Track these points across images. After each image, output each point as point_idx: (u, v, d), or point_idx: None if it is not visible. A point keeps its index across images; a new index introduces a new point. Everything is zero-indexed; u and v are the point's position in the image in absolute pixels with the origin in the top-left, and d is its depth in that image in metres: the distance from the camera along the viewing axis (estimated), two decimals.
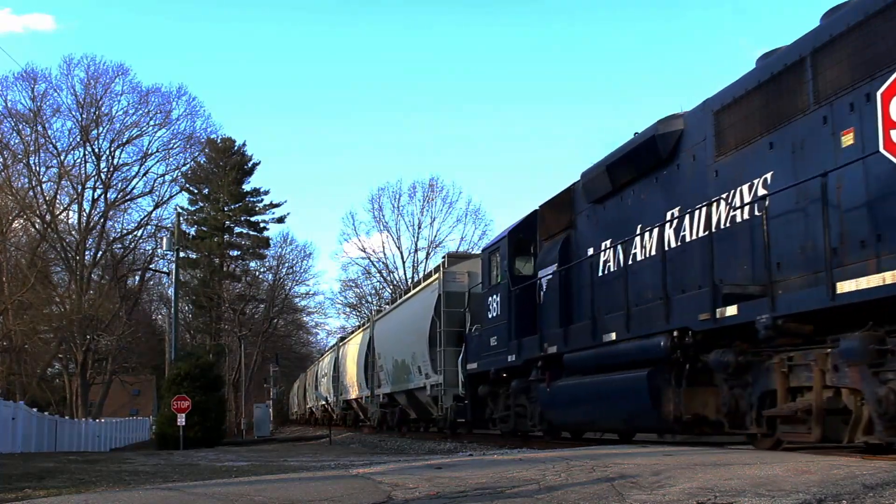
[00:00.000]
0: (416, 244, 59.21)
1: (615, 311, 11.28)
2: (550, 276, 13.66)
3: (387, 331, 28.21)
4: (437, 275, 21.73)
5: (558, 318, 13.16)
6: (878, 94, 7.33)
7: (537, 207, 14.95)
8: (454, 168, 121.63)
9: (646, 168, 11.14)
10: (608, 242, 12.07)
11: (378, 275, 61.46)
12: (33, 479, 10.76)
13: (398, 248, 59.99)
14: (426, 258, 58.10)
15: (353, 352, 36.17)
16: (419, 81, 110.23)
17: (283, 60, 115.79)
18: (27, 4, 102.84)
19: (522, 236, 15.18)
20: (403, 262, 59.55)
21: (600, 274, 12.15)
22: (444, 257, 22.02)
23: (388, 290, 57.21)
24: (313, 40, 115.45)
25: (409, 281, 53.55)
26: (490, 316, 16.10)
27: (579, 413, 12.61)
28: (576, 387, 12.23)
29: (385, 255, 60.73)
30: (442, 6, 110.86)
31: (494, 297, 15.84)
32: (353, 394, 35.97)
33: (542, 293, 14.01)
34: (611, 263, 11.94)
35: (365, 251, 61.17)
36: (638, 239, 11.15)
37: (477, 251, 23.76)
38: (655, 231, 10.67)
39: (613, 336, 11.05)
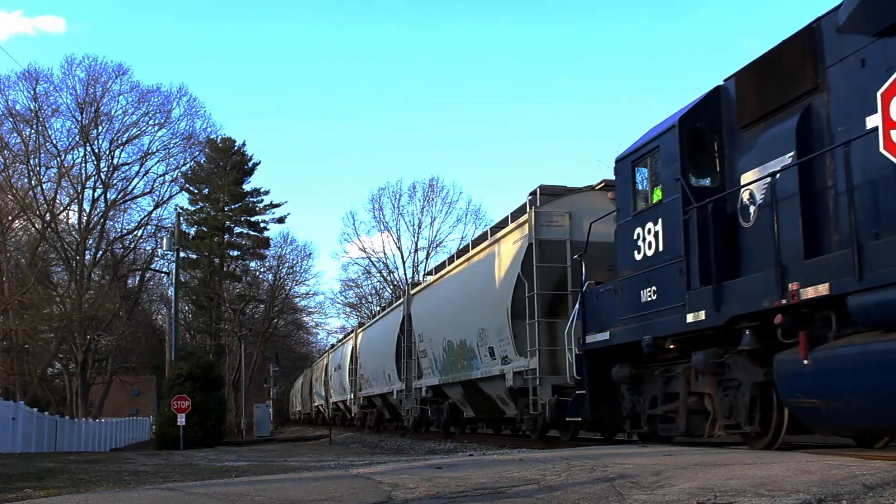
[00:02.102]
0: (416, 244, 59.43)
1: None
2: (778, 177, 8.61)
3: (434, 305, 22.16)
4: (524, 217, 15.68)
5: (802, 243, 8.30)
6: (879, 94, 7.27)
7: (722, 82, 10.04)
8: (454, 168, 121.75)
9: None
10: None
11: (378, 275, 61.67)
12: (33, 479, 10.76)
13: (398, 248, 60.19)
14: (426, 258, 58.25)
15: (378, 338, 30.01)
16: (419, 81, 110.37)
17: (283, 60, 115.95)
18: (39, 6, 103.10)
19: (699, 126, 10.07)
20: (404, 262, 59.73)
21: None
22: (531, 194, 15.91)
23: (389, 289, 57.35)
24: (313, 40, 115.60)
25: (410, 280, 53.59)
26: (637, 258, 10.93)
27: None
28: None
29: (385, 254, 60.97)
30: (442, 6, 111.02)
31: (648, 226, 10.71)
32: (379, 388, 30.01)
33: (752, 209, 9.18)
34: None
35: (365, 251, 61.35)
36: None
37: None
38: None
39: None
